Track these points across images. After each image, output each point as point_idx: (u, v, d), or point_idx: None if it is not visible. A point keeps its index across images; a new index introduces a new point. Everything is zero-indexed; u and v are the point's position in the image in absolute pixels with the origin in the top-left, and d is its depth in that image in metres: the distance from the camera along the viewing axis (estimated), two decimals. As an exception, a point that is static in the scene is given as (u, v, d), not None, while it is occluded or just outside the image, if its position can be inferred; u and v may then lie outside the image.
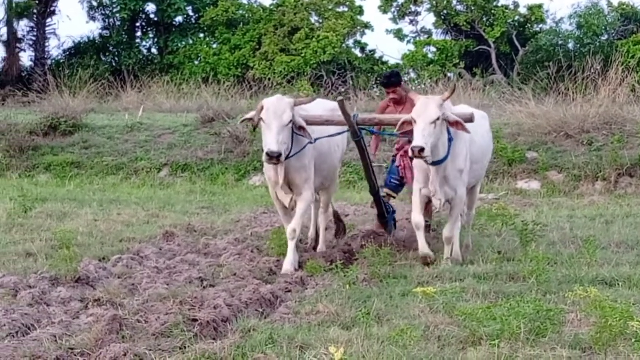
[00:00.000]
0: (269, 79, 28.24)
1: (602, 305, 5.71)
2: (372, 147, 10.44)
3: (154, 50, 36.85)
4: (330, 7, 34.97)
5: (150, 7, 36.34)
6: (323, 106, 9.59)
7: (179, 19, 36.30)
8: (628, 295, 7.08)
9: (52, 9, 35.64)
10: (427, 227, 9.76)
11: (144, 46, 36.92)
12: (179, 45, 35.06)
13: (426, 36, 35.67)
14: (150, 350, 5.64)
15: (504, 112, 20.21)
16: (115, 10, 35.82)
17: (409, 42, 35.51)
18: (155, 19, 36.52)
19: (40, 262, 8.71)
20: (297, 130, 8.70)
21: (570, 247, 9.70)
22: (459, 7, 34.80)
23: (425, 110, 8.39)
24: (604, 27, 32.45)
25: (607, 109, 18.49)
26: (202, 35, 35.92)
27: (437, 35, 35.70)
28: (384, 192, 10.34)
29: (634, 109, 19.11)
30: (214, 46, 34.87)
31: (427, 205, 9.41)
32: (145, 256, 9.36)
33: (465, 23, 33.85)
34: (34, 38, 35.45)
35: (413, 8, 35.52)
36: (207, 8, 34.84)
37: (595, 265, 8.49)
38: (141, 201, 14.65)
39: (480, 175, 9.91)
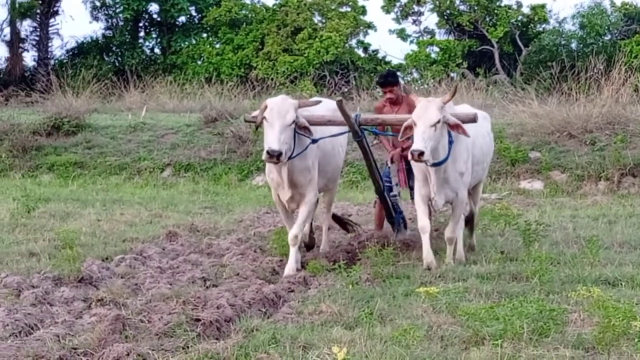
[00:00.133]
0: (272, 79, 28.21)
1: (605, 305, 5.71)
2: (387, 146, 10.16)
3: (156, 50, 36.86)
4: (333, 7, 34.94)
5: (153, 7, 36.33)
6: (326, 106, 9.58)
7: (182, 18, 36.29)
8: (631, 295, 7.08)
9: (55, 9, 35.64)
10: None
11: (147, 46, 36.93)
12: (182, 45, 35.05)
13: (429, 36, 35.64)
14: (153, 350, 5.65)
15: (507, 111, 20.19)
16: (118, 10, 35.80)
17: (411, 42, 35.51)
18: (158, 19, 36.51)
19: (43, 262, 8.72)
20: (300, 130, 8.69)
21: (573, 246, 9.69)
22: (462, 7, 34.77)
23: (425, 113, 8.34)
24: (606, 27, 32.41)
25: (610, 108, 18.46)
26: (205, 35, 35.90)
27: (440, 35, 35.69)
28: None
29: (637, 109, 19.08)
30: (217, 46, 34.85)
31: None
32: (148, 256, 9.37)
33: (468, 23, 33.82)
34: (37, 38, 35.44)
35: (416, 8, 35.48)
36: (210, 8, 34.83)
37: (598, 265, 8.49)
38: (144, 201, 14.66)
39: (480, 175, 9.87)
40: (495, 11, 33.99)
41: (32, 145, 19.92)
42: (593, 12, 32.43)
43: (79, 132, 20.67)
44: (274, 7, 35.25)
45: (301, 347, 5.77)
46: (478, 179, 9.81)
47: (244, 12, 35.22)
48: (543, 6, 34.09)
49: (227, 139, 19.64)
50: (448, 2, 34.39)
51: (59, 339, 5.91)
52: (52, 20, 35.61)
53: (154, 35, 36.93)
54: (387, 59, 35.31)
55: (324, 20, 34.82)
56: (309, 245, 9.95)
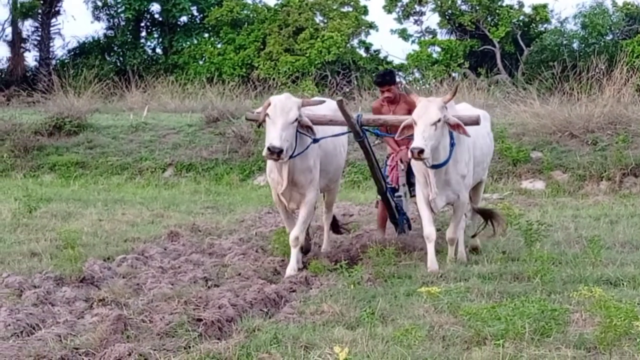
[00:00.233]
0: (274, 79, 28.22)
1: (606, 305, 5.71)
2: (393, 146, 10.02)
3: (158, 50, 36.85)
4: (334, 7, 34.93)
5: (155, 7, 36.34)
6: (327, 106, 9.57)
7: (184, 18, 36.29)
8: (633, 295, 7.08)
9: (56, 8, 35.64)
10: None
11: (149, 46, 36.92)
12: (184, 45, 35.04)
13: (430, 36, 35.63)
14: (155, 350, 5.65)
15: (509, 111, 20.18)
16: (119, 10, 35.81)
17: (413, 42, 35.49)
18: (160, 19, 36.52)
19: (45, 261, 8.73)
20: (302, 129, 8.68)
21: (575, 246, 9.69)
22: (464, 7, 34.75)
23: (426, 112, 8.33)
24: (608, 27, 32.39)
25: (612, 108, 18.46)
26: (206, 35, 35.91)
27: (442, 35, 35.69)
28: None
29: (638, 109, 19.06)
30: (219, 46, 34.86)
31: None
32: (150, 256, 9.37)
33: (469, 23, 33.80)
34: (38, 38, 35.43)
35: (417, 8, 35.47)
36: (211, 8, 34.82)
37: (599, 265, 8.48)
38: (146, 201, 14.67)
39: (480, 175, 9.85)
40: (497, 11, 33.98)
41: (33, 145, 19.93)
42: (595, 12, 32.41)
43: (80, 132, 20.68)
44: (276, 7, 35.25)
45: (303, 347, 5.78)
46: (478, 179, 9.80)
47: (245, 12, 35.22)
48: (545, 6, 34.07)
49: (228, 139, 19.64)
50: (450, 2, 34.38)
51: (61, 339, 5.91)
52: (53, 20, 35.62)
53: (155, 35, 36.93)
54: (389, 59, 35.31)
55: (325, 20, 34.82)
56: (304, 249, 9.62)
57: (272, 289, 7.62)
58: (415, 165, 8.82)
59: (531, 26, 34.39)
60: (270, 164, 8.92)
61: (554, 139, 18.06)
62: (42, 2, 34.76)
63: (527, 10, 34.45)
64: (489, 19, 34.23)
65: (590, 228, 11.38)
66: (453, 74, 31.47)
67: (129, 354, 5.50)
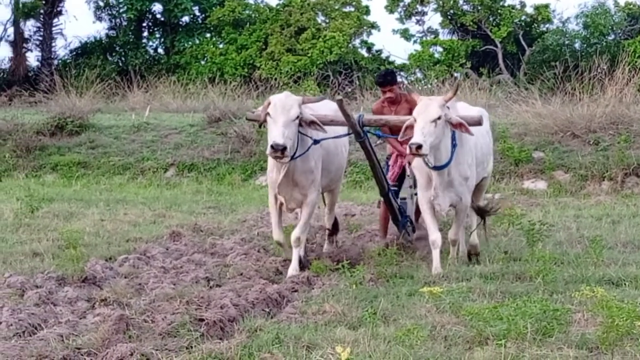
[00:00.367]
0: (276, 79, 28.24)
1: (608, 305, 5.71)
2: (397, 147, 9.86)
3: (160, 50, 36.90)
4: (336, 7, 34.97)
5: (157, 7, 36.41)
6: (328, 106, 9.56)
7: (186, 18, 36.34)
8: (635, 295, 7.06)
9: (58, 8, 35.71)
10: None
11: (151, 46, 36.99)
12: (186, 45, 35.08)
13: (432, 36, 35.65)
14: (157, 349, 5.65)
15: (511, 111, 20.19)
16: (121, 10, 35.87)
17: (415, 42, 35.54)
18: (162, 19, 36.56)
19: (47, 261, 8.73)
20: (307, 126, 8.66)
21: (577, 246, 9.68)
22: (466, 7, 34.78)
23: (426, 109, 8.33)
24: (610, 27, 32.41)
25: (614, 108, 18.46)
26: (208, 35, 35.95)
27: (444, 35, 35.71)
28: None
29: (640, 109, 19.09)
30: (221, 46, 34.90)
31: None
32: (152, 256, 9.37)
33: (471, 23, 33.82)
34: (40, 38, 35.50)
35: (419, 8, 35.50)
36: (213, 8, 34.87)
37: (601, 265, 8.47)
38: (148, 201, 14.67)
39: (481, 175, 9.83)
40: (499, 11, 34.00)
41: (35, 145, 19.95)
42: (597, 12, 32.43)
43: (82, 132, 20.69)
44: (278, 7, 35.28)
45: (305, 347, 5.77)
46: (479, 179, 9.78)
47: (247, 12, 35.26)
48: (547, 6, 34.10)
49: (230, 139, 19.65)
50: (451, 2, 34.39)
51: (63, 339, 5.91)
52: (55, 20, 35.69)
53: (157, 35, 36.98)
54: (391, 59, 35.35)
55: (327, 20, 34.85)
56: (302, 265, 8.99)
57: (274, 289, 7.62)
58: (418, 167, 8.80)
59: (533, 26, 34.41)
60: (271, 163, 8.89)
61: (556, 139, 18.06)
62: (44, 2, 34.82)
63: (529, 10, 34.54)
64: (491, 19, 34.24)
65: (592, 228, 11.37)
66: (455, 74, 31.50)
67: (131, 354, 5.50)
